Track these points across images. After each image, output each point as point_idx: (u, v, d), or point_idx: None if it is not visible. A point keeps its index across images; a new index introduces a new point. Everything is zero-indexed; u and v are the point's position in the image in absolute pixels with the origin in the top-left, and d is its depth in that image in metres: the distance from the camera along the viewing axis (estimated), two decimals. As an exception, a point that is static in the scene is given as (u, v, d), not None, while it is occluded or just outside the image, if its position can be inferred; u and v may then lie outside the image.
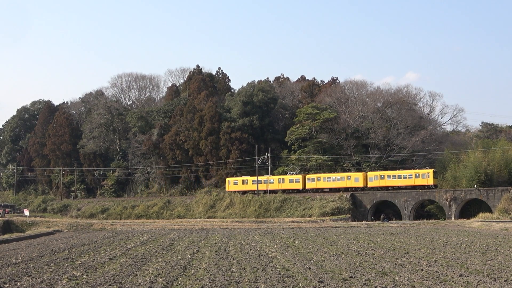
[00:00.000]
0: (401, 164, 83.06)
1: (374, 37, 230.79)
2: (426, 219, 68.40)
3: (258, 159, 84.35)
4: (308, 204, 75.68)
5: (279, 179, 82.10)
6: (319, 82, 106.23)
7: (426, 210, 76.99)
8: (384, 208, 77.67)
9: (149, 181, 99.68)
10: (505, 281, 19.71)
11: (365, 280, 19.96)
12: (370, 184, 77.04)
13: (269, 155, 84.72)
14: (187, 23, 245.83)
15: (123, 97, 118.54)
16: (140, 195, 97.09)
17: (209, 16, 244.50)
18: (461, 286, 19.01)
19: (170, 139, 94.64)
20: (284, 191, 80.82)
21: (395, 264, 24.37)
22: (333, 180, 78.90)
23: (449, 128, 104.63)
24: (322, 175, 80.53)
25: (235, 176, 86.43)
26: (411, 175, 74.45)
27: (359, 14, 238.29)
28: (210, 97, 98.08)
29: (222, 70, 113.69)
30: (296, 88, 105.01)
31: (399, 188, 74.82)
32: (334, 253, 29.34)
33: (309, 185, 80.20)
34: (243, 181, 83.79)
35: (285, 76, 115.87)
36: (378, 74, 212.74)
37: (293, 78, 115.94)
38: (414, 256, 27.40)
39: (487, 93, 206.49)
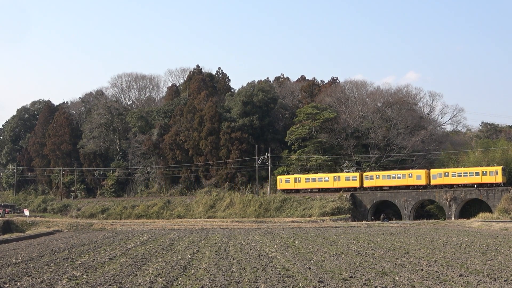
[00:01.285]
0: (401, 164, 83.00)
1: (374, 37, 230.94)
2: (426, 219, 68.41)
3: (258, 159, 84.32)
4: (308, 204, 75.70)
5: (334, 177, 79.12)
6: (319, 82, 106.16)
7: (426, 210, 76.98)
8: (384, 208, 77.66)
9: (149, 181, 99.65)
10: (505, 281, 19.71)
11: (365, 280, 19.96)
12: (433, 182, 73.60)
13: (269, 155, 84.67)
14: (187, 23, 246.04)
15: (123, 97, 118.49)
16: (140, 195, 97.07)
17: (209, 16, 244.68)
18: (461, 286, 19.00)
19: (170, 139, 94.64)
20: (339, 189, 77.58)
21: (395, 264, 24.37)
22: (393, 178, 75.94)
23: (449, 128, 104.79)
24: (381, 173, 77.75)
25: (286, 174, 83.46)
26: (478, 172, 70.96)
27: (359, 14, 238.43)
28: (210, 97, 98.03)
29: (222, 70, 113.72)
30: (296, 88, 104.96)
31: (464, 186, 71.61)
32: (334, 253, 29.34)
33: (367, 183, 77.20)
34: (295, 179, 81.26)
35: (285, 76, 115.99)
36: (378, 74, 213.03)
37: (293, 78, 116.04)
38: (414, 256, 27.41)
39: (487, 93, 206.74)
